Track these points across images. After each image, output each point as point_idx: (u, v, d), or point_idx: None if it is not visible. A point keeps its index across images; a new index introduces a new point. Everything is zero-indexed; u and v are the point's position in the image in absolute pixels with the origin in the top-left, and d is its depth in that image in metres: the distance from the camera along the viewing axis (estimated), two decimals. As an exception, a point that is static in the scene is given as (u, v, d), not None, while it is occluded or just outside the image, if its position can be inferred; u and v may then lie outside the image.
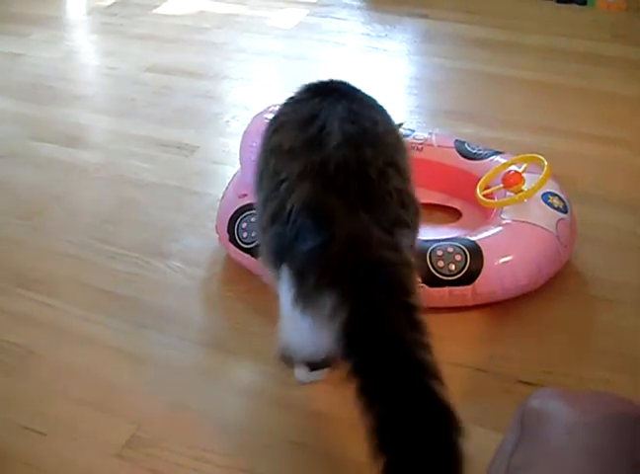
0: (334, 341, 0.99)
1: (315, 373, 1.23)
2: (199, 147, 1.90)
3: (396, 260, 1.04)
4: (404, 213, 1.10)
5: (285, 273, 1.07)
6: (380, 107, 1.26)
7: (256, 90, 2.24)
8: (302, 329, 1.08)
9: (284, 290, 1.08)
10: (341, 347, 0.98)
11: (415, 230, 1.14)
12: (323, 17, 2.81)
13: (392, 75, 2.37)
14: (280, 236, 1.08)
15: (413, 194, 1.16)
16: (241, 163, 1.51)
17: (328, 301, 1.00)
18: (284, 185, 1.09)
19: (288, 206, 1.07)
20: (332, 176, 1.06)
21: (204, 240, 1.53)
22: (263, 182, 1.16)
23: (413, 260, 1.09)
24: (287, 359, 1.18)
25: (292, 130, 1.15)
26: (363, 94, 1.27)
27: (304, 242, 1.04)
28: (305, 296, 1.05)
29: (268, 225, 1.11)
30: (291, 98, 1.25)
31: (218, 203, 1.51)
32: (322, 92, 1.22)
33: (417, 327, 0.98)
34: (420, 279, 1.17)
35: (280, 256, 1.09)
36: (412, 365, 0.93)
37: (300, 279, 1.05)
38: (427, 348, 0.96)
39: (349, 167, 1.07)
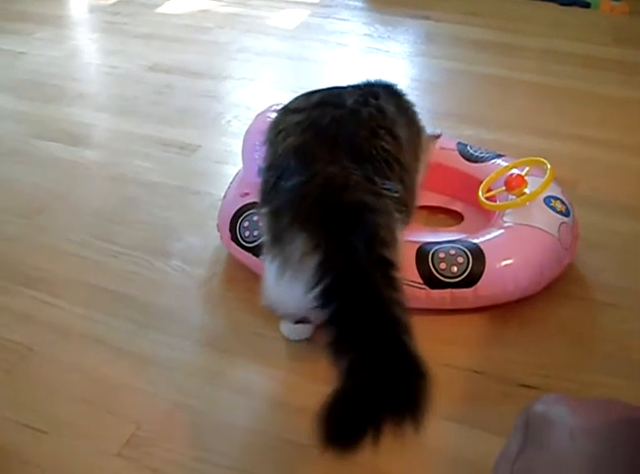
0: (306, 287, 0.99)
1: (300, 329, 1.25)
2: (200, 146, 1.90)
3: (377, 206, 1.04)
4: (387, 170, 1.13)
5: (265, 213, 1.10)
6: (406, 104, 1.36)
7: (258, 90, 2.24)
8: (274, 276, 1.08)
9: (263, 234, 1.11)
10: (315, 294, 0.97)
11: (400, 188, 1.15)
12: (325, 17, 2.81)
13: (394, 76, 2.37)
14: (269, 178, 1.14)
15: (408, 174, 1.21)
16: (243, 162, 1.51)
17: (299, 243, 1.01)
18: (282, 134, 1.18)
19: (279, 151, 1.14)
20: (325, 128, 1.14)
21: (206, 240, 1.53)
22: (267, 134, 1.25)
23: (396, 212, 1.10)
24: (274, 312, 1.19)
25: (301, 98, 1.28)
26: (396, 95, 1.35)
27: (285, 182, 1.08)
28: (278, 237, 1.06)
29: (264, 173, 1.18)
30: None
31: (220, 203, 1.51)
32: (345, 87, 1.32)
33: (392, 283, 0.98)
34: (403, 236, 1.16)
35: (265, 197, 1.13)
36: (386, 320, 0.93)
37: (276, 218, 1.07)
38: (401, 305, 0.96)
39: (342, 122, 1.15)
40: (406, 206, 1.18)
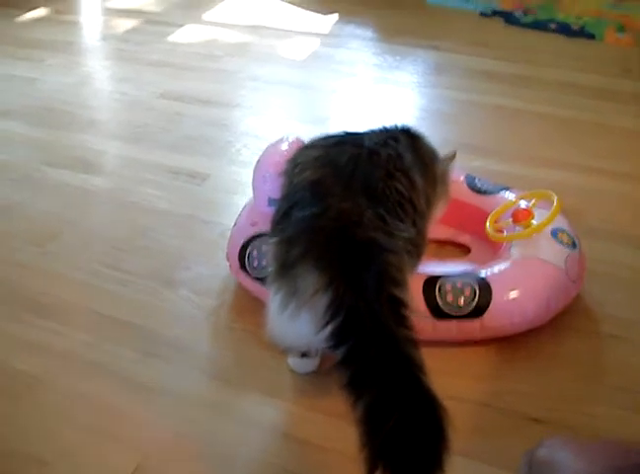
0: (317, 325, 0.99)
1: (307, 363, 1.26)
2: (210, 175, 1.92)
3: (388, 245, 1.05)
4: (400, 212, 1.14)
5: (274, 242, 1.10)
6: (426, 151, 1.35)
7: (268, 119, 2.25)
8: (277, 308, 1.07)
9: (270, 263, 1.11)
10: (327, 333, 0.97)
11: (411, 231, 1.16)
12: (335, 47, 2.84)
13: (403, 106, 2.39)
14: (281, 208, 1.15)
15: (421, 218, 1.21)
16: (254, 192, 1.52)
17: (312, 279, 1.01)
18: (299, 167, 1.19)
19: (295, 183, 1.16)
20: (342, 165, 1.15)
21: (214, 269, 1.54)
22: (285, 167, 1.27)
23: (406, 253, 1.10)
24: (277, 345, 1.19)
25: (322, 137, 1.29)
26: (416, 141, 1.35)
27: (297, 212, 1.09)
28: (286, 268, 1.05)
29: (278, 203, 1.19)
30: None
31: (229, 233, 1.51)
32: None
33: (403, 322, 0.99)
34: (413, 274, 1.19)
35: (276, 227, 1.14)
36: (401, 358, 0.93)
37: (285, 248, 1.07)
38: (413, 343, 0.96)
39: (360, 162, 1.16)
40: (417, 248, 1.19)
